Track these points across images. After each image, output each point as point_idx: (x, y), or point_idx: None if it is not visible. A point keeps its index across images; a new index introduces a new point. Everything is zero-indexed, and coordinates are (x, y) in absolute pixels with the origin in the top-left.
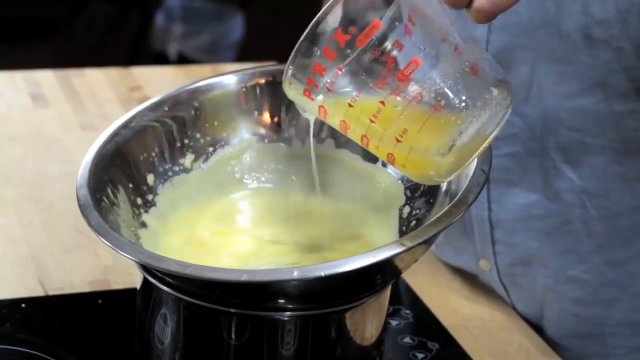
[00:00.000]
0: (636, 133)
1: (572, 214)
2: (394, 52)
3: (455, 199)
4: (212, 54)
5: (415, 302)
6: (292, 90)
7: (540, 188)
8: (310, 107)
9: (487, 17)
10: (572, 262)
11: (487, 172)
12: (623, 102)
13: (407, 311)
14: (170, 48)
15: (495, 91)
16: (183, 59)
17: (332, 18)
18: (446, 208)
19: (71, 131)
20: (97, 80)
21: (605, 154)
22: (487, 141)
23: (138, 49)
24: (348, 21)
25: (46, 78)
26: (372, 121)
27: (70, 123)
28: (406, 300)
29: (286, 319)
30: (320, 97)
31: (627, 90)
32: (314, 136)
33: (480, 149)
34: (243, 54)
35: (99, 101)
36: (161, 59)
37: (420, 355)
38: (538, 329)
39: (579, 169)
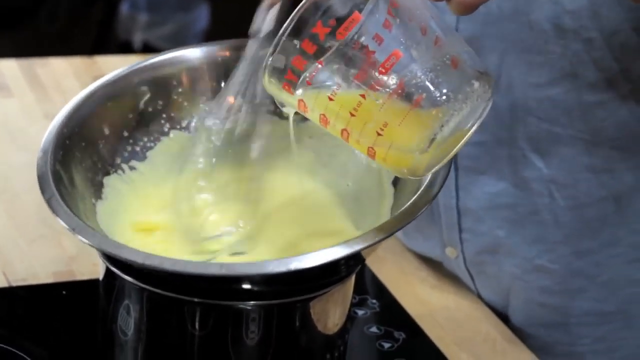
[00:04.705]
0: (605, 124)
1: (540, 204)
2: (374, 46)
3: (421, 189)
4: (177, 44)
5: (382, 292)
6: (272, 85)
7: (509, 177)
8: (290, 102)
9: (468, 8)
10: (539, 251)
11: (452, 161)
12: (592, 93)
13: (374, 301)
14: (135, 37)
15: (476, 84)
16: (148, 49)
17: (311, 11)
18: (413, 198)
19: (35, 121)
20: (61, 70)
21: (574, 144)
22: (467, 135)
23: (103, 38)
24: (328, 14)
25: (9, 68)
26: (352, 115)
27: (34, 113)
28: (372, 289)
29: (250, 308)
30: (300, 91)
31: (596, 80)
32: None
33: (461, 143)
34: None
35: (64, 90)
36: (126, 48)
37: (386, 345)
38: (504, 317)
39: (547, 159)
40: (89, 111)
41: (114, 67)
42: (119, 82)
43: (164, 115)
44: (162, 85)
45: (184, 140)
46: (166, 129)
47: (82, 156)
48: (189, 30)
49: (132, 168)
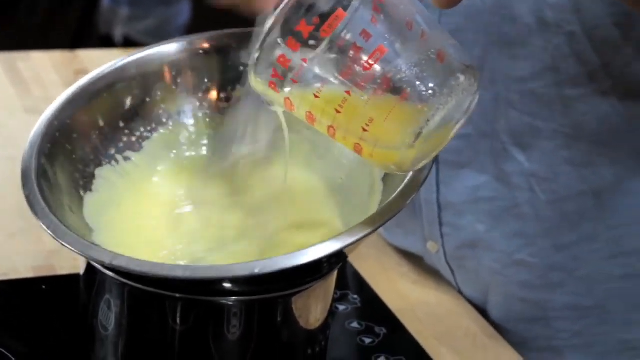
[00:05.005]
0: (586, 118)
1: (520, 198)
2: (359, 42)
3: (403, 184)
4: (158, 38)
5: (363, 287)
6: (258, 83)
7: (490, 171)
8: (277, 100)
9: (451, 2)
10: (519, 245)
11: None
12: (573, 87)
13: (355, 296)
14: (116, 31)
15: (462, 78)
16: (129, 43)
17: (294, 9)
18: (395, 194)
19: (15, 115)
20: (42, 64)
21: (555, 138)
22: (454, 130)
23: (83, 32)
24: (311, 12)
25: None
26: (338, 111)
27: (14, 107)
28: (354, 285)
29: (232, 303)
30: (286, 90)
31: (577, 74)
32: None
33: (448, 137)
34: None
35: (44, 85)
36: (107, 42)
37: (367, 340)
38: (484, 313)
39: (528, 153)
40: (83, 103)
41: (95, 61)
42: (115, 74)
43: (162, 106)
44: (159, 76)
45: (182, 130)
46: (164, 119)
47: (73, 148)
48: (171, 24)
49: (126, 159)
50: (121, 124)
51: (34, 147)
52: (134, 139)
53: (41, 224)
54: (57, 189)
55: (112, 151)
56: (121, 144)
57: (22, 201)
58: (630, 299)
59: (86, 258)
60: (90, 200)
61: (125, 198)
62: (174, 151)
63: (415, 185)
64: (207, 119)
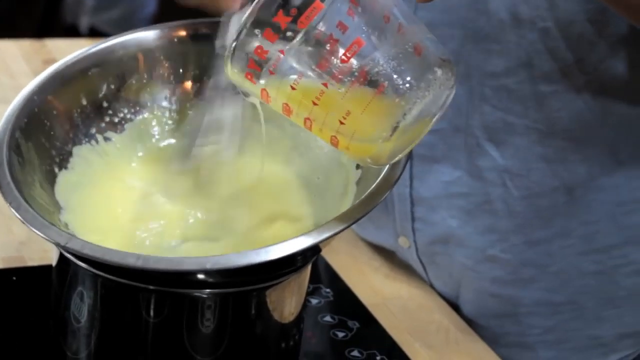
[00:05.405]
0: (559, 114)
1: (493, 193)
2: (337, 34)
3: (377, 180)
4: (124, 28)
5: (335, 281)
6: (235, 74)
7: (464, 166)
8: (253, 91)
9: None
10: (491, 241)
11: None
12: (547, 83)
13: (327, 290)
14: (81, 21)
15: (439, 71)
16: (95, 33)
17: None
18: (370, 189)
19: None
20: (9, 52)
21: (528, 134)
22: (431, 124)
23: (48, 22)
24: (289, 3)
25: None
26: (315, 104)
27: None
28: (326, 278)
29: (206, 296)
30: (262, 81)
31: (551, 70)
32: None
33: (424, 131)
34: None
35: (12, 73)
36: (72, 32)
37: (340, 334)
38: (456, 307)
39: (501, 148)
40: (66, 80)
41: (63, 50)
42: (101, 54)
43: (148, 89)
44: (148, 58)
45: (164, 116)
46: (148, 103)
47: (51, 125)
48: (137, 14)
49: (107, 139)
50: (104, 104)
51: (9, 122)
52: (116, 119)
53: (4, 198)
54: (28, 165)
55: (93, 130)
56: (103, 124)
57: None
58: (601, 295)
59: (44, 238)
60: (64, 178)
61: (100, 179)
62: (156, 136)
63: (390, 181)
64: (189, 107)
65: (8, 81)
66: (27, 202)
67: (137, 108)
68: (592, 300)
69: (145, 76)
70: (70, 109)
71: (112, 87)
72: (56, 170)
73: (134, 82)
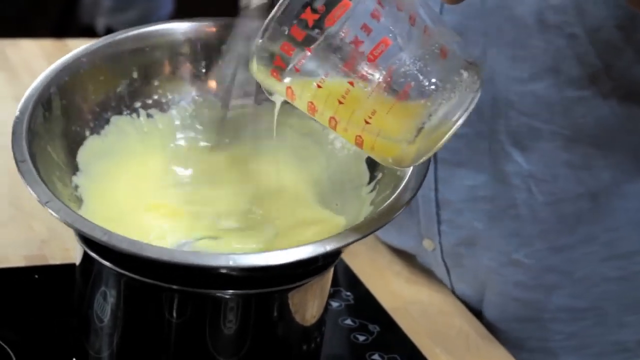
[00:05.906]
0: (585, 120)
1: (518, 198)
2: (363, 33)
3: (402, 185)
4: None
5: (355, 284)
6: (259, 71)
7: (488, 170)
8: (278, 89)
9: None
10: (515, 245)
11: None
12: (574, 89)
13: (348, 293)
14: (98, 22)
15: (465, 74)
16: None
17: None
18: (395, 194)
19: (4, 103)
20: (31, 52)
21: (554, 139)
22: (455, 127)
23: (65, 23)
24: (317, 0)
25: None
26: (340, 102)
27: (3, 94)
28: (345, 281)
29: (228, 297)
30: (288, 79)
31: (578, 76)
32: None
33: (448, 135)
34: None
35: (34, 72)
36: (89, 33)
37: (361, 338)
38: (477, 313)
39: (526, 154)
40: (120, 51)
41: None
42: (159, 35)
43: (203, 78)
44: (211, 45)
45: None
46: (197, 95)
47: (95, 88)
48: (153, 16)
49: (149, 116)
50: (156, 83)
51: (48, 77)
52: (164, 100)
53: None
54: (55, 121)
55: (138, 104)
56: (150, 101)
57: (13, 189)
58: (624, 301)
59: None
60: (93, 142)
61: (131, 154)
62: (199, 127)
63: (414, 186)
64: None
65: (29, 80)
66: (34, 158)
67: (191, 94)
68: (614, 306)
69: (204, 64)
70: (119, 79)
71: (171, 67)
72: (87, 133)
73: (189, 67)
